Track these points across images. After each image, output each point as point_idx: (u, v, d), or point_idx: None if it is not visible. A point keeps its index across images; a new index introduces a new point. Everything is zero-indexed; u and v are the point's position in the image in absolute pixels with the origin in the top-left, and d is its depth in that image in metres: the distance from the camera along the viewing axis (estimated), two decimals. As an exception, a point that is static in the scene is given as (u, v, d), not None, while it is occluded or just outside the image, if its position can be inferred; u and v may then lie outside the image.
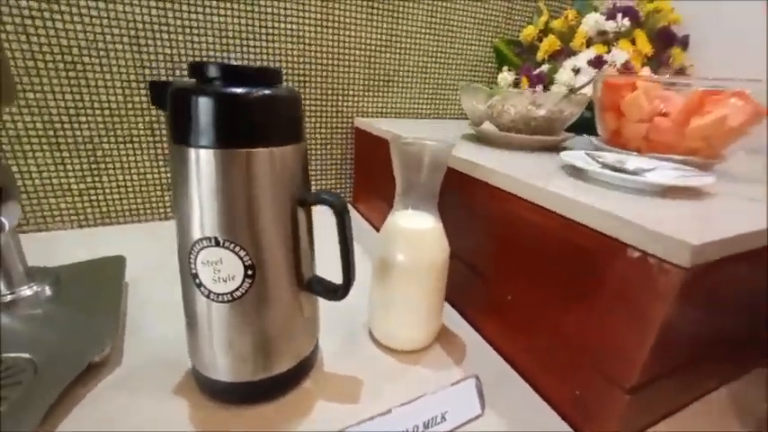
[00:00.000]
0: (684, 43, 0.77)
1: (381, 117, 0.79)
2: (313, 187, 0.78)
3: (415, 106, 0.82)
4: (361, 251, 0.61)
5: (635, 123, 0.46)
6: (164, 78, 0.59)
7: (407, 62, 0.77)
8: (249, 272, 0.28)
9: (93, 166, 0.59)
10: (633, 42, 0.76)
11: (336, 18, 0.68)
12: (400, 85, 0.78)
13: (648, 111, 0.45)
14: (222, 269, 0.27)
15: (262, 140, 0.26)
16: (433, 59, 0.80)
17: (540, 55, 0.82)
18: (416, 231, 0.37)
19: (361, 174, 0.78)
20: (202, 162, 0.25)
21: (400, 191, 0.37)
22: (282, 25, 0.65)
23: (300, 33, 0.66)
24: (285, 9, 0.64)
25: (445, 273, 0.39)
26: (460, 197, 0.45)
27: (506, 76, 0.84)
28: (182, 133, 0.25)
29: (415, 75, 0.79)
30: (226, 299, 0.28)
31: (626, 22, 0.76)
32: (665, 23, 0.77)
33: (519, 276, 0.39)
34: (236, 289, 0.28)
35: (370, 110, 0.77)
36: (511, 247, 0.40)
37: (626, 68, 0.74)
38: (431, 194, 0.37)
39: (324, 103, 0.73)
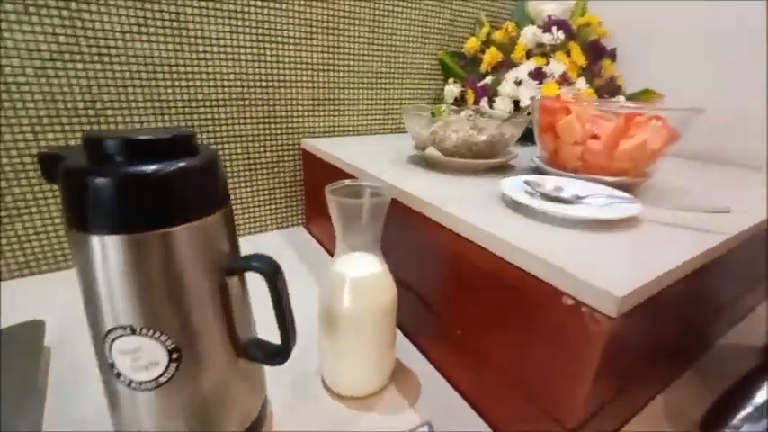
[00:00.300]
0: (612, 56, 0.81)
1: (330, 136, 0.77)
2: (261, 213, 0.75)
3: (365, 122, 0.81)
4: (313, 280, 0.59)
5: (571, 145, 0.48)
6: (83, 111, 0.54)
7: (353, 78, 0.76)
8: (174, 355, 0.25)
9: (4, 213, 0.52)
10: (568, 54, 0.79)
11: (274, 38, 0.65)
12: (347, 102, 0.77)
13: (582, 134, 0.47)
14: (142, 357, 0.25)
15: (178, 218, 0.24)
16: (379, 74, 0.79)
17: (483, 67, 0.84)
18: (361, 279, 0.36)
19: (311, 196, 0.76)
20: (109, 250, 0.22)
21: (340, 236, 0.36)
22: (216, 48, 0.61)
23: (236, 56, 0.63)
24: (216, 31, 0.60)
25: (394, 312, 0.39)
26: (407, 227, 0.45)
27: (452, 89, 0.85)
28: (80, 220, 0.22)
29: (361, 91, 0.78)
30: (150, 386, 0.26)
31: (561, 34, 0.79)
32: (595, 37, 0.80)
33: (465, 311, 0.39)
34: (161, 375, 0.25)
35: (317, 129, 0.75)
36: (455, 281, 0.40)
37: (564, 79, 0.77)
38: (373, 237, 0.36)
39: (268, 125, 0.70)
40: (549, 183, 0.43)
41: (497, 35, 0.85)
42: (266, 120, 0.69)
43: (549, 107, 0.49)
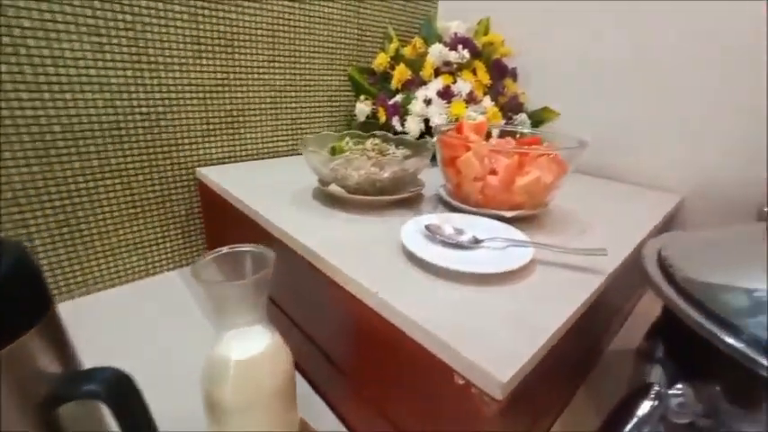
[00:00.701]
0: (514, 75, 0.84)
1: (232, 162, 0.70)
2: (154, 253, 0.66)
3: (271, 145, 0.75)
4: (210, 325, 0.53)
5: (471, 181, 0.48)
6: None
7: (254, 99, 0.70)
8: None
9: None
10: (474, 73, 0.81)
11: (153, 58, 0.57)
12: (249, 124, 0.71)
13: (481, 170, 0.47)
14: None
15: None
16: (284, 93, 0.74)
17: (393, 84, 0.82)
18: (248, 361, 0.31)
19: (212, 229, 0.69)
20: None
21: (216, 318, 0.31)
22: (73, 71, 0.51)
23: (104, 79, 0.54)
24: (73, 50, 0.51)
25: (293, 383, 0.35)
26: (310, 280, 0.41)
27: (363, 108, 0.82)
28: None
29: (264, 111, 0.72)
30: None
31: (466, 53, 0.80)
32: (498, 56, 0.83)
33: (370, 374, 0.37)
34: None
35: (216, 156, 0.68)
36: (358, 342, 0.37)
37: (471, 98, 0.79)
38: (259, 309, 0.32)
39: (153, 156, 0.61)
40: (450, 225, 0.42)
41: (406, 51, 0.84)
42: (151, 150, 0.60)
43: (449, 143, 0.49)
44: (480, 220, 0.44)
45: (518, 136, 0.60)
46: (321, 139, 0.56)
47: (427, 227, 0.41)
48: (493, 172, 0.47)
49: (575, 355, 0.43)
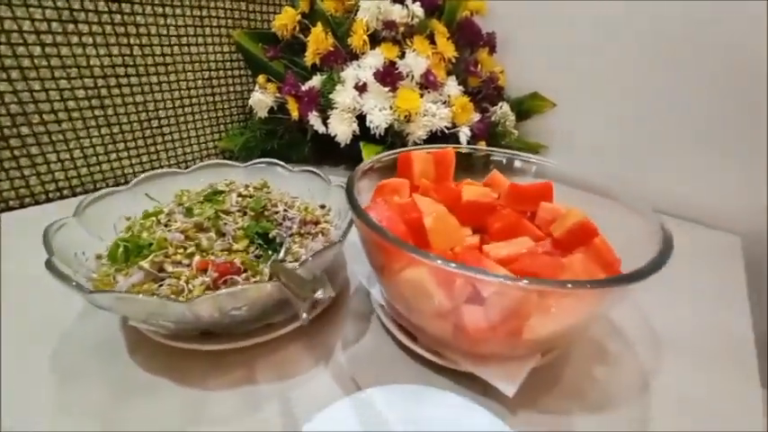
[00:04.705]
0: (491, 44, 0.56)
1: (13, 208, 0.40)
2: None
3: (91, 172, 0.44)
4: None
5: (428, 317, 0.22)
6: None
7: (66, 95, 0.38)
8: None
9: None
10: (432, 41, 0.53)
11: None
12: (43, 140, 0.39)
13: (447, 303, 0.21)
14: None
15: None
16: (111, 81, 0.42)
17: (308, 57, 0.52)
18: None
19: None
20: None
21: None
22: None
23: None
24: None
25: None
26: None
27: (261, 98, 0.52)
28: None
29: (79, 114, 0.41)
30: None
31: (418, 8, 0.51)
32: (466, 13, 0.54)
33: None
34: None
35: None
36: None
37: (427, 81, 0.51)
38: None
39: None
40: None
41: (327, 4, 0.54)
42: None
43: (378, 244, 0.22)
44: (450, 416, 0.20)
45: (505, 162, 0.34)
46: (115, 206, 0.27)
47: None
48: (475, 297, 0.21)
49: None
